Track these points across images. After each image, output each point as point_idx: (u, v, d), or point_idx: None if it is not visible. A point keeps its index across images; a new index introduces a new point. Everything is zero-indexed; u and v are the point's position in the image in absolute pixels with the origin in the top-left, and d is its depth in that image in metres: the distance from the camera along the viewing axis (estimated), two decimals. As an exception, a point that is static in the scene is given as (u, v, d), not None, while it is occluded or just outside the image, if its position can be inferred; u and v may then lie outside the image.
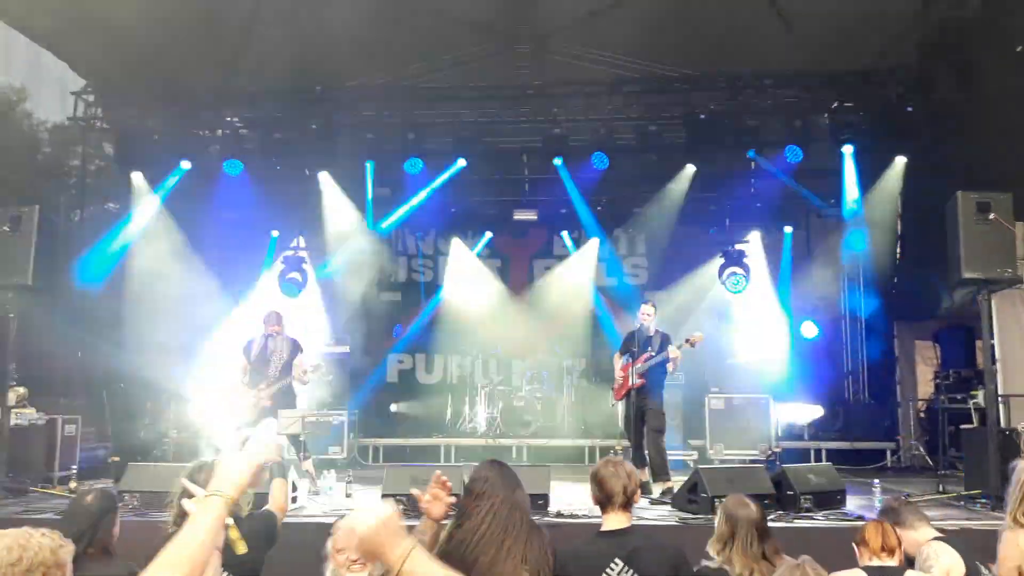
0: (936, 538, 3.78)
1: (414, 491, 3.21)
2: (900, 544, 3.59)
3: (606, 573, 3.32)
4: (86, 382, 10.42)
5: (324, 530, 3.63)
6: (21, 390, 8.71)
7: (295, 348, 8.35)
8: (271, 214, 12.46)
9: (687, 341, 8.02)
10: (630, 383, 8.08)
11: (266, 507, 3.95)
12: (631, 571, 3.33)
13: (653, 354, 8.02)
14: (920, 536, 3.82)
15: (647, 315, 8.26)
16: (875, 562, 3.53)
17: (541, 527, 3.06)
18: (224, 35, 10.13)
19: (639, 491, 3.63)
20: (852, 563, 3.58)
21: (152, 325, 11.42)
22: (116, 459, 8.69)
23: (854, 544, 3.71)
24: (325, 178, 12.29)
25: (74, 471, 8.35)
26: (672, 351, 7.91)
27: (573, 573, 3.32)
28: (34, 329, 8.97)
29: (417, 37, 9.96)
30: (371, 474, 9.55)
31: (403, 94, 11.49)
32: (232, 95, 11.79)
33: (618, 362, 8.47)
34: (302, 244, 12.56)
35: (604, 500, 3.54)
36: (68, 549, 2.53)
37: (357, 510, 1.96)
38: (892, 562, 3.51)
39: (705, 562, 3.64)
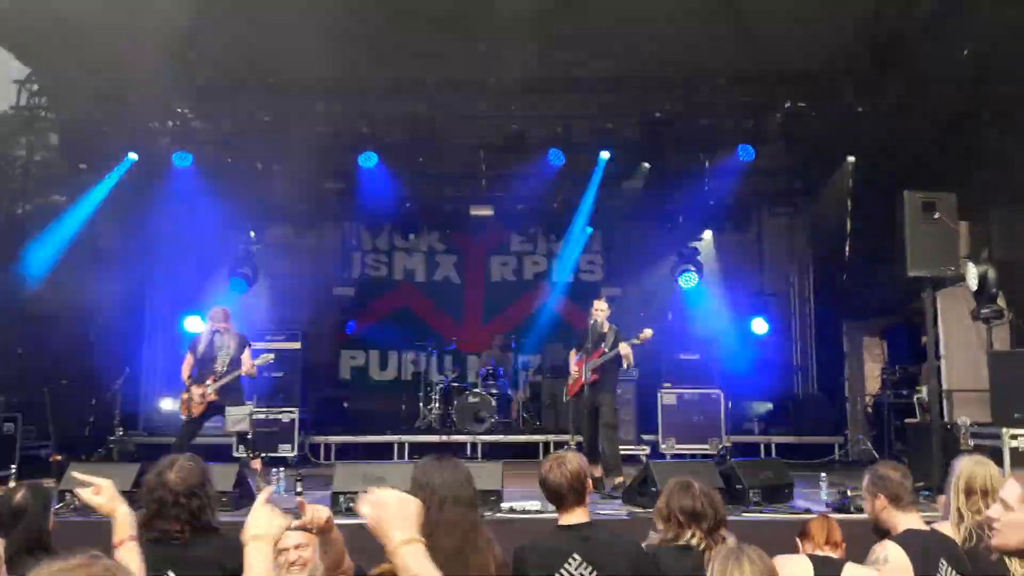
0: (903, 535, 3.58)
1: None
2: (843, 541, 3.65)
3: (565, 567, 3.34)
4: (27, 379, 10.12)
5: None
6: (-42, 387, 8.44)
7: (242, 343, 8.23)
8: (221, 207, 12.23)
9: (636, 338, 8.08)
10: (583, 379, 8.11)
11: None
12: (589, 567, 3.34)
13: (606, 350, 8.06)
14: (902, 522, 3.61)
15: (600, 311, 8.31)
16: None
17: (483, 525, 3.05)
18: (174, 24, 9.91)
19: (588, 482, 3.64)
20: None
21: (97, 320, 11.15)
22: (58, 458, 8.47)
23: (797, 539, 3.76)
24: (277, 171, 12.10)
25: (13, 470, 8.10)
26: (623, 347, 7.94)
27: (532, 567, 3.35)
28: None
29: (372, 30, 9.84)
30: (322, 472, 9.45)
31: (357, 87, 11.35)
32: (182, 86, 11.53)
33: (573, 358, 8.51)
34: (253, 238, 12.36)
35: (555, 499, 3.57)
36: None
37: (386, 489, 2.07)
38: (833, 553, 3.56)
39: (653, 535, 3.68)
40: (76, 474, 2.91)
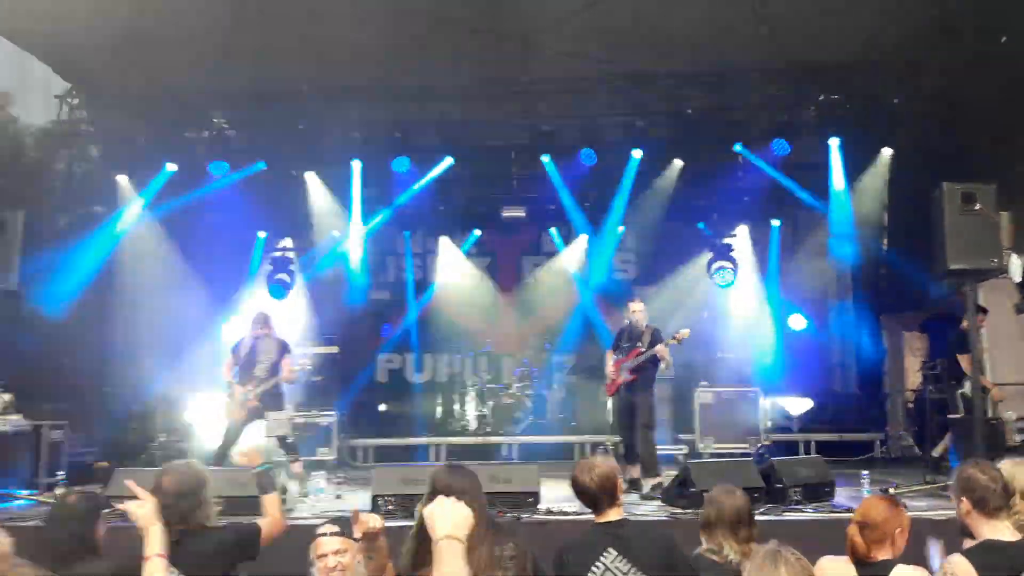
0: (979, 546, 3.34)
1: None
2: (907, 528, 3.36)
3: (600, 561, 3.45)
4: (73, 387, 10.33)
5: (311, 532, 3.64)
6: (6, 396, 8.63)
7: (283, 349, 8.32)
8: (258, 215, 12.40)
9: (673, 338, 8.03)
10: (621, 379, 8.09)
11: (256, 520, 3.86)
12: (624, 559, 3.45)
13: (643, 350, 8.02)
14: (987, 530, 3.33)
15: (636, 311, 8.26)
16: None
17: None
18: (209, 36, 10.06)
19: (619, 483, 3.70)
20: (840, 555, 3.55)
21: (139, 329, 11.36)
22: (104, 464, 8.63)
23: (853, 526, 3.39)
24: (312, 178, 12.25)
25: (61, 477, 8.28)
26: (661, 349, 7.90)
27: (569, 563, 3.48)
28: (19, 334, 8.91)
29: (402, 36, 9.91)
30: (360, 475, 9.53)
31: (389, 93, 11.44)
32: (217, 96, 11.71)
33: (610, 359, 8.47)
34: (289, 245, 12.51)
35: (591, 502, 3.66)
36: (5, 541, 2.79)
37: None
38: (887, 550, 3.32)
39: (699, 549, 3.71)
40: (129, 483, 3.07)
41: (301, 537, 3.83)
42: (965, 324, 8.09)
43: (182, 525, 3.49)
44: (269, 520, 3.94)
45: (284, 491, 6.77)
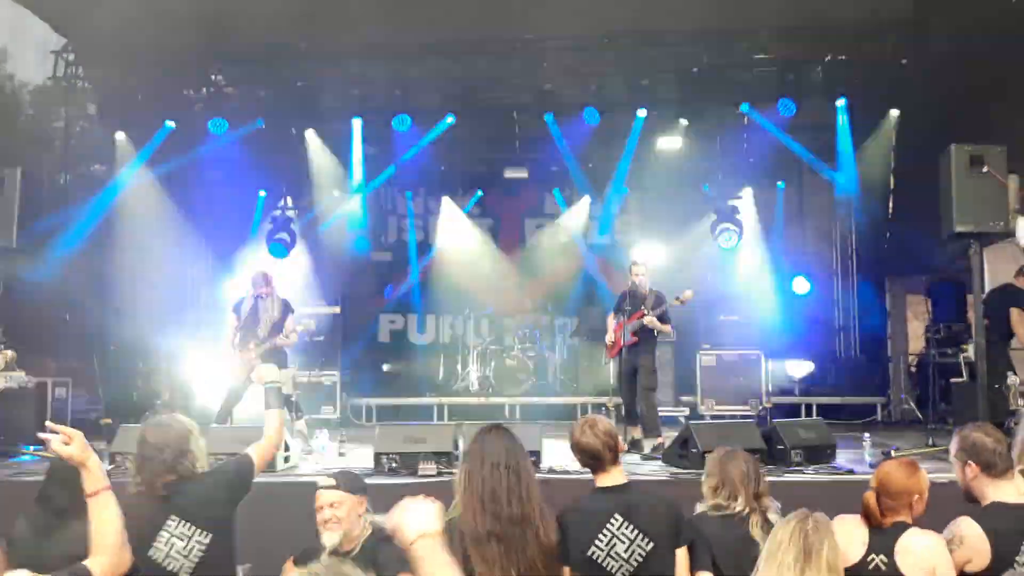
0: (988, 508, 3.35)
1: None
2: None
3: (607, 528, 3.39)
4: (76, 344, 10.36)
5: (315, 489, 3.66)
6: (9, 353, 8.62)
7: (286, 309, 8.31)
8: (257, 173, 12.31)
9: (676, 299, 8.02)
10: (623, 341, 8.08)
11: (246, 451, 3.85)
12: (631, 526, 3.39)
13: (646, 313, 8.01)
14: (993, 492, 3.34)
15: (639, 275, 8.23)
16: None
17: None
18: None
19: (620, 441, 3.68)
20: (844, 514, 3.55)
21: (141, 286, 11.35)
22: (108, 421, 8.66)
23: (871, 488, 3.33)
24: (311, 136, 12.14)
25: (65, 433, 8.31)
26: (651, 321, 7.91)
27: (573, 529, 3.40)
28: (20, 292, 8.89)
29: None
30: (363, 433, 9.55)
31: (390, 50, 11.28)
32: (216, 53, 11.56)
33: (611, 322, 8.46)
34: (289, 204, 12.45)
35: (591, 461, 3.59)
36: None
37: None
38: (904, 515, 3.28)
39: (699, 506, 3.69)
40: (49, 423, 2.94)
41: (304, 493, 3.85)
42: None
43: (172, 476, 3.49)
44: (263, 444, 3.92)
45: (287, 448, 6.80)
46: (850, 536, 3.21)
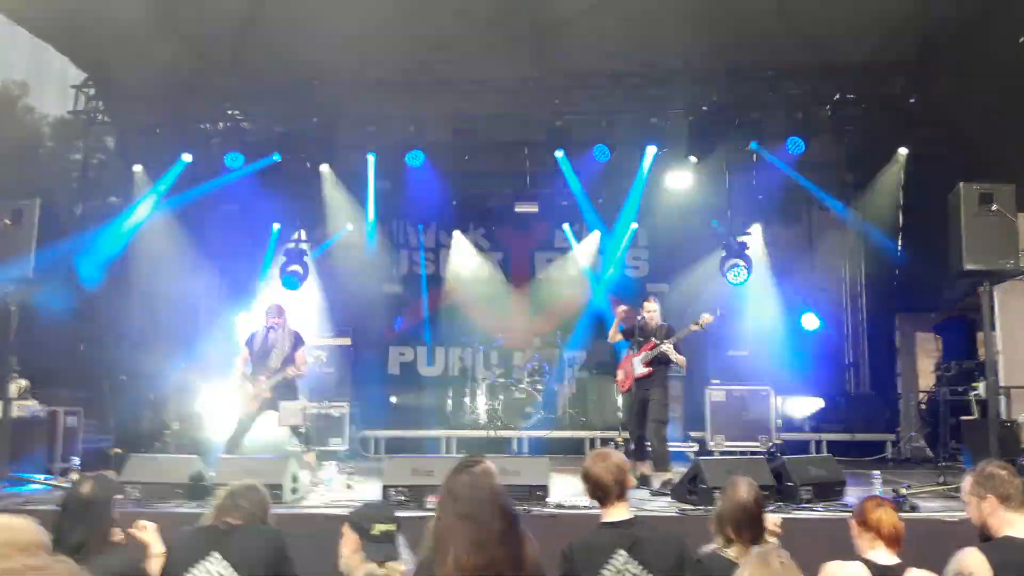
0: (998, 542, 3.36)
1: None
2: (901, 527, 3.42)
3: (611, 563, 3.38)
4: (88, 374, 10.43)
5: (324, 521, 3.67)
6: (23, 382, 8.72)
7: (297, 341, 8.36)
8: (272, 207, 12.44)
9: (695, 324, 8.03)
10: (635, 373, 8.08)
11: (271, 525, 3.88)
12: (635, 562, 3.38)
13: (658, 343, 8.03)
14: (1007, 526, 3.37)
15: (650, 311, 8.28)
16: (879, 551, 3.38)
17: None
18: (225, 28, 10.12)
19: (629, 477, 3.69)
20: (851, 554, 3.54)
21: (154, 318, 11.44)
22: (118, 451, 8.71)
23: (853, 520, 3.55)
24: (326, 171, 12.29)
25: (76, 463, 8.36)
26: (673, 354, 7.91)
27: (578, 563, 3.40)
28: (35, 321, 8.98)
29: (417, 30, 9.93)
30: (372, 466, 9.58)
31: (403, 87, 11.46)
32: (233, 88, 11.77)
33: (612, 334, 8.47)
34: (303, 237, 12.57)
35: (601, 495, 3.60)
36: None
37: None
38: (894, 556, 3.37)
39: (707, 547, 3.68)
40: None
41: (313, 525, 3.87)
42: None
43: (236, 518, 3.72)
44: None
45: (295, 479, 6.82)
46: None
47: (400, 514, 3.49)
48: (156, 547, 3.77)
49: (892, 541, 3.39)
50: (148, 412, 11.03)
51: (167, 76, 11.28)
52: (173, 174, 11.67)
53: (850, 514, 3.73)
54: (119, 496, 4.01)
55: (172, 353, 11.30)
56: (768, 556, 2.73)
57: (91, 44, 10.82)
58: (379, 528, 3.28)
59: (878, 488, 6.85)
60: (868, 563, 3.35)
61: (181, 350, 11.47)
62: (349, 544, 3.37)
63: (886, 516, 3.43)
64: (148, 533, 3.81)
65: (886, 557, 3.37)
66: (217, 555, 3.53)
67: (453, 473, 2.89)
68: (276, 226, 12.83)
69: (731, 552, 3.55)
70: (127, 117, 12.03)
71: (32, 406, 8.85)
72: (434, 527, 2.81)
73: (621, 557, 3.38)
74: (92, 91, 11.96)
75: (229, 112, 12.03)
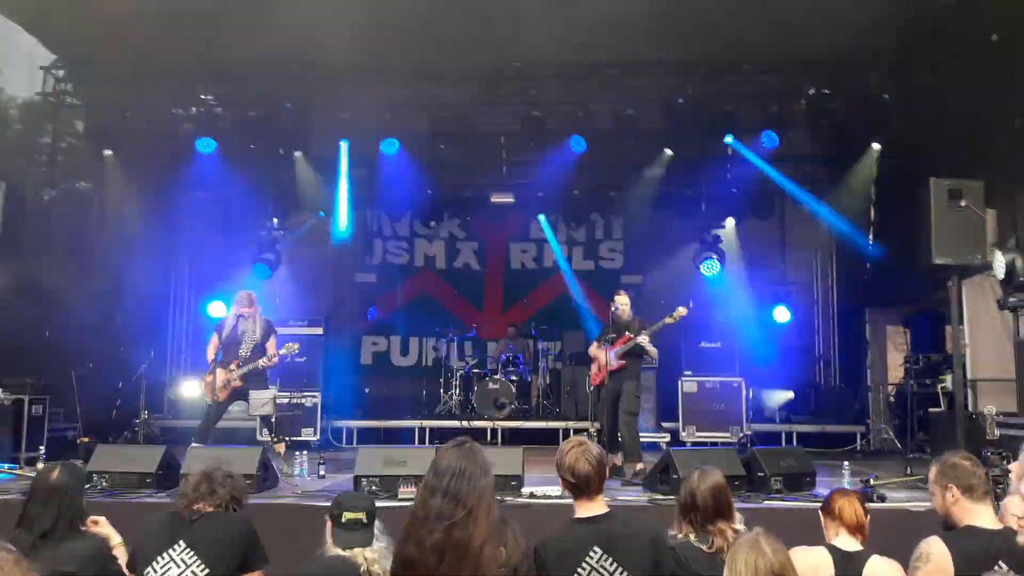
0: (960, 531, 3.42)
1: None
2: (866, 516, 3.55)
3: (585, 562, 3.29)
4: (54, 362, 10.26)
5: (295, 512, 3.64)
6: (-13, 370, 8.57)
7: (268, 330, 8.29)
8: (245, 194, 12.31)
9: (670, 317, 8.06)
10: (608, 367, 8.10)
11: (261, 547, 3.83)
12: (610, 559, 3.30)
13: (631, 336, 8.05)
14: (969, 516, 3.41)
15: (622, 304, 8.29)
16: (842, 538, 3.51)
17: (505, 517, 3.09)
18: (199, 12, 9.95)
19: (608, 471, 3.64)
20: (820, 543, 3.60)
21: (123, 305, 11.27)
22: (86, 440, 8.60)
23: (820, 512, 3.69)
24: (299, 158, 12.16)
25: (42, 452, 8.23)
26: (648, 346, 7.96)
27: (551, 561, 3.30)
28: (1, 307, 8.83)
29: (392, 17, 9.84)
30: (344, 456, 9.53)
31: (379, 74, 11.35)
32: (206, 73, 11.59)
33: (594, 350, 8.49)
34: (275, 224, 12.45)
35: (581, 486, 3.47)
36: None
37: None
38: (857, 543, 3.49)
39: (673, 532, 3.66)
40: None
41: (284, 516, 3.84)
42: None
43: (207, 505, 3.72)
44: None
45: (267, 469, 6.76)
46: (817, 565, 3.32)
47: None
48: (114, 538, 3.82)
49: (854, 529, 3.52)
50: (116, 401, 10.89)
51: (139, 59, 11.10)
52: (144, 158, 11.47)
53: (819, 504, 3.79)
54: (88, 485, 3.95)
55: (141, 341, 11.15)
56: (759, 542, 2.75)
57: (61, 26, 10.61)
58: (347, 516, 3.35)
59: (847, 479, 6.92)
60: (832, 548, 3.47)
61: (150, 338, 11.33)
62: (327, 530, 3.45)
63: (848, 504, 3.57)
64: (102, 526, 3.89)
65: (849, 544, 3.49)
66: (182, 543, 3.51)
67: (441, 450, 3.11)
68: (248, 213, 12.69)
69: (693, 539, 3.54)
70: (97, 100, 11.82)
71: (-3, 393, 8.70)
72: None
73: (595, 555, 3.29)
74: (61, 72, 11.74)
75: (202, 97, 11.85)
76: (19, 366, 9.38)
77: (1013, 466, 3.62)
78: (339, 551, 3.29)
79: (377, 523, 3.44)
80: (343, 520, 3.35)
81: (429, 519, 2.90)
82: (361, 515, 3.38)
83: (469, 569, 2.84)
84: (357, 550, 3.27)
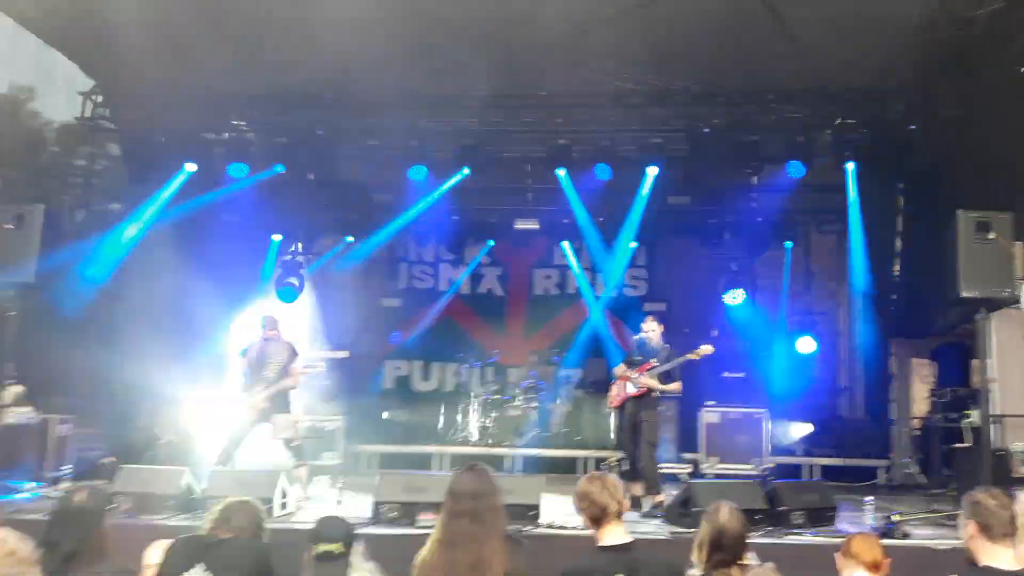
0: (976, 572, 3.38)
1: None
2: (885, 559, 3.54)
3: None
4: (82, 383, 10.39)
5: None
6: (18, 389, 8.71)
7: (292, 353, 8.36)
8: (274, 218, 12.46)
9: (694, 352, 7.99)
10: (627, 392, 8.06)
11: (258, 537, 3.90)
12: None
13: (657, 364, 7.99)
14: (987, 556, 3.36)
15: (651, 330, 8.21)
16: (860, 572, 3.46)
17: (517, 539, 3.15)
18: (232, 40, 10.15)
19: (626, 501, 3.66)
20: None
21: (150, 327, 11.41)
22: (110, 460, 8.69)
23: (837, 555, 3.65)
24: (328, 183, 12.30)
25: (67, 472, 8.34)
26: (659, 386, 7.90)
27: None
28: (33, 328, 8.98)
29: (422, 45, 9.98)
30: (364, 481, 9.54)
31: (407, 102, 11.50)
32: (239, 99, 11.80)
33: (619, 370, 8.41)
34: (300, 249, 12.58)
35: (598, 516, 3.52)
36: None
37: None
38: None
39: (690, 572, 3.65)
40: None
41: (301, 540, 3.86)
42: None
43: (226, 531, 3.73)
44: None
45: (285, 494, 6.80)
46: None
47: (392, 531, 3.52)
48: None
49: (872, 567, 3.48)
50: (141, 422, 11.00)
51: (174, 86, 11.33)
52: (176, 183, 11.67)
53: (841, 540, 3.76)
54: (111, 507, 4.00)
55: (167, 363, 11.27)
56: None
57: (99, 51, 10.85)
58: (320, 549, 3.38)
59: (870, 515, 6.83)
60: None
61: (176, 361, 11.44)
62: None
63: (866, 544, 3.56)
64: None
65: None
66: (202, 566, 3.55)
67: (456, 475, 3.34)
68: (277, 237, 12.84)
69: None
70: (132, 125, 12.05)
71: (25, 413, 8.83)
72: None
73: None
74: (99, 98, 12.00)
75: (233, 123, 12.06)
76: (48, 386, 9.53)
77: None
78: None
79: (357, 547, 3.47)
80: (315, 553, 3.38)
81: (456, 542, 3.08)
82: (335, 546, 3.40)
83: None
84: None
